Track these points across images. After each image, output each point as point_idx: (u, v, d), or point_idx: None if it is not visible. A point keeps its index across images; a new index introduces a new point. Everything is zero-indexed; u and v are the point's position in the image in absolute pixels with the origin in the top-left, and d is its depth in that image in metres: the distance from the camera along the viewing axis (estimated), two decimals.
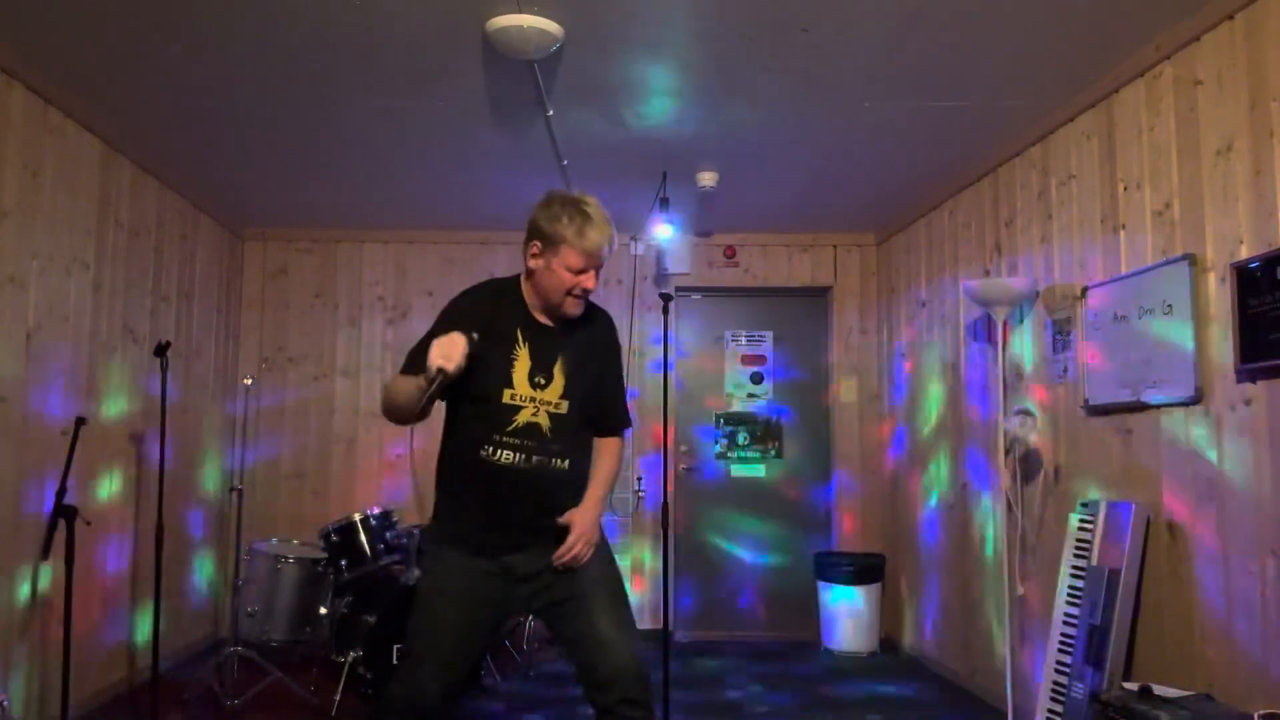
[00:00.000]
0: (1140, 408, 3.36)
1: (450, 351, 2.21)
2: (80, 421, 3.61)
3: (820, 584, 5.73)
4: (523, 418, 2.39)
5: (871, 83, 3.73)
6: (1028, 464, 4.09)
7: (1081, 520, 3.55)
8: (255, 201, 5.52)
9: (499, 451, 2.38)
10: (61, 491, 3.47)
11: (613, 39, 3.39)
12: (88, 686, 4.13)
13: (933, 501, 5.24)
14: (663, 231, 5.33)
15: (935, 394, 5.21)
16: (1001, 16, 3.18)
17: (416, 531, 4.68)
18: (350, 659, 4.17)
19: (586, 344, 2.52)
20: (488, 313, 2.44)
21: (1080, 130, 3.82)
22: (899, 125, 4.20)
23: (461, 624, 2.40)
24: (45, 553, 3.39)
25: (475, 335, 2.29)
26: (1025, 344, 4.22)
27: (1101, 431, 3.61)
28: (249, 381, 4.99)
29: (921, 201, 5.33)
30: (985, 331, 4.57)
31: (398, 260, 6.17)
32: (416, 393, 2.24)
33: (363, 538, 4.52)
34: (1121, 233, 3.54)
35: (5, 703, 3.48)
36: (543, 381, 2.43)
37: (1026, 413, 4.06)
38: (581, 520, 2.42)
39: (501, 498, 2.40)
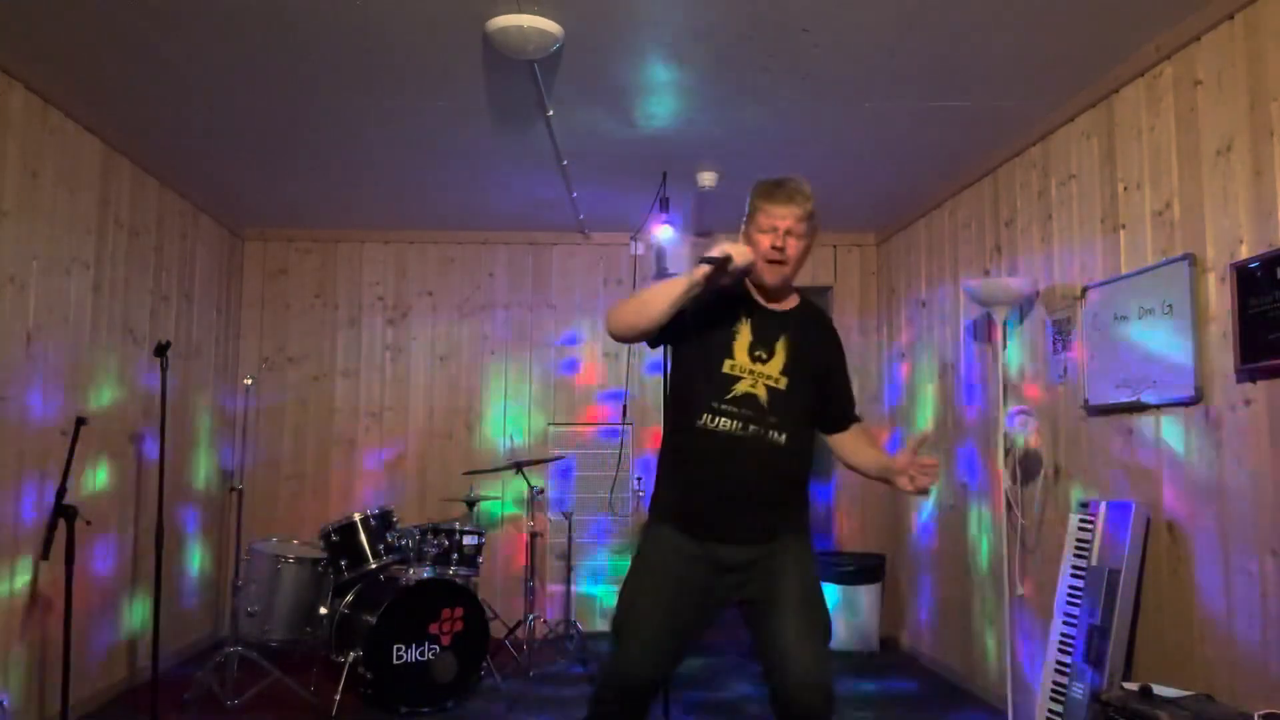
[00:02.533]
0: (1140, 408, 3.36)
1: (743, 252, 2.31)
2: (80, 421, 3.61)
3: (820, 584, 5.71)
4: (741, 387, 2.44)
5: (871, 83, 3.73)
6: (1028, 464, 4.08)
7: (1081, 520, 3.55)
8: (255, 201, 5.52)
9: (717, 419, 2.42)
10: (61, 491, 3.47)
11: (613, 39, 3.39)
12: (87, 686, 4.13)
13: (933, 502, 5.24)
14: (663, 231, 5.33)
15: (934, 394, 5.21)
16: (1001, 16, 3.18)
17: (416, 531, 4.69)
18: (350, 659, 4.17)
19: (811, 333, 2.57)
20: (718, 291, 2.47)
21: (1080, 130, 3.82)
22: (899, 125, 4.20)
23: (669, 604, 2.42)
24: (45, 552, 3.38)
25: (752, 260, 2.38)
26: (1025, 344, 4.22)
27: (1101, 431, 3.61)
28: (249, 381, 4.98)
29: (921, 201, 5.33)
30: (985, 331, 4.57)
31: (398, 260, 6.17)
32: (685, 282, 2.31)
33: (363, 538, 4.52)
34: (1121, 233, 3.54)
35: (5, 702, 3.48)
36: (764, 356, 2.48)
37: (1026, 413, 4.06)
38: (909, 455, 2.52)
39: (720, 467, 2.42)
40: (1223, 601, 2.95)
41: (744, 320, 2.50)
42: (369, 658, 4.13)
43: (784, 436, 2.46)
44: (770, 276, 2.49)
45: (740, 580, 2.45)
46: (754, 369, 2.46)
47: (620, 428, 5.98)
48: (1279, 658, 2.72)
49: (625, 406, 5.99)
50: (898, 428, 5.83)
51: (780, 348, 2.48)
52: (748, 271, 2.38)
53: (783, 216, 2.47)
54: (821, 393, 2.59)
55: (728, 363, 2.46)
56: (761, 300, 2.54)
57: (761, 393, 2.44)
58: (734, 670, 5.17)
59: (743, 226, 2.56)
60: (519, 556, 5.84)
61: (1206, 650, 3.01)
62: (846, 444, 2.75)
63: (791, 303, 2.59)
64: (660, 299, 2.36)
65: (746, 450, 2.42)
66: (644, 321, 2.40)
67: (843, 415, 2.71)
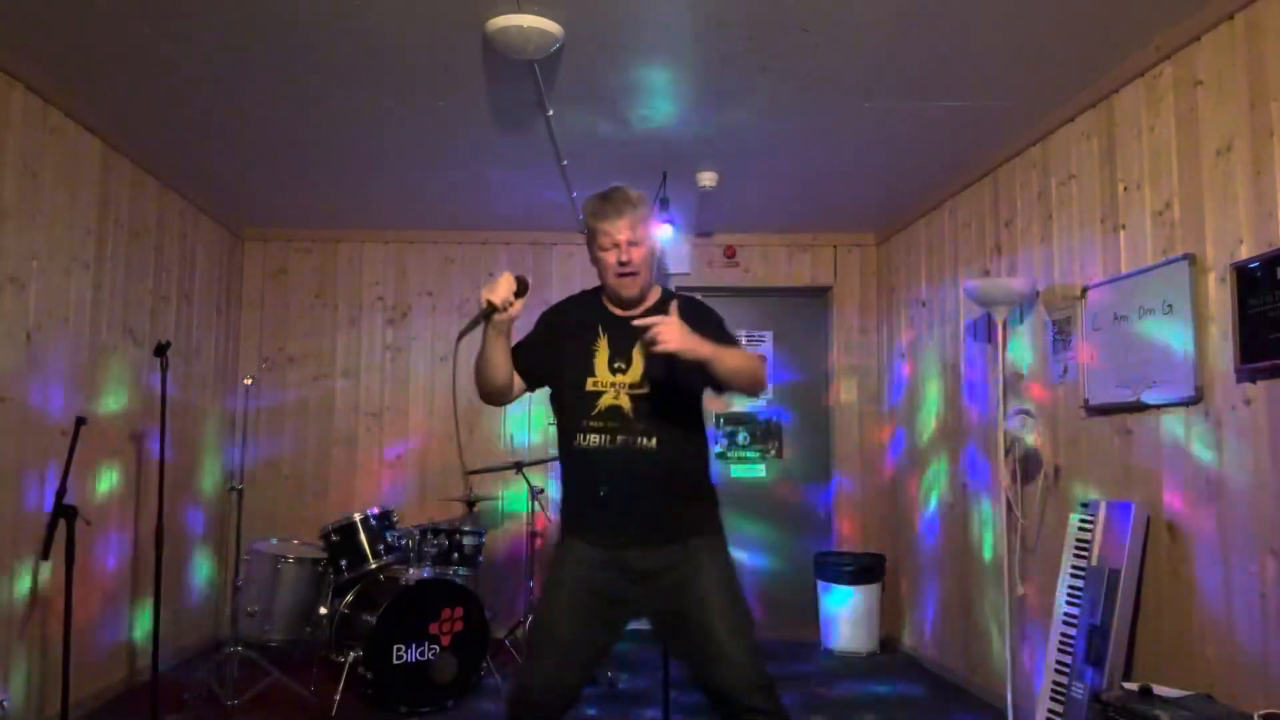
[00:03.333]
0: (1140, 408, 3.36)
1: (496, 286, 2.40)
2: (80, 421, 3.61)
3: (820, 584, 5.73)
4: (604, 402, 2.50)
5: (871, 83, 3.73)
6: (1028, 464, 4.08)
7: (1081, 520, 3.55)
8: (255, 201, 5.52)
9: (587, 436, 2.49)
10: (62, 491, 3.47)
11: (613, 39, 3.39)
12: (88, 686, 4.13)
13: (933, 501, 5.24)
14: (663, 231, 5.33)
15: (935, 394, 5.21)
16: (1002, 16, 3.18)
17: (416, 531, 4.69)
18: (350, 659, 4.17)
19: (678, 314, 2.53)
20: (574, 315, 2.63)
21: (1080, 130, 3.82)
22: (899, 125, 4.20)
23: (577, 615, 2.44)
24: (45, 552, 3.38)
25: (527, 277, 2.47)
26: (1025, 344, 4.22)
27: (1101, 431, 3.61)
28: (249, 381, 4.98)
29: (921, 201, 5.33)
30: (985, 331, 4.57)
31: (398, 260, 6.17)
32: (486, 335, 2.44)
33: (363, 538, 4.52)
34: (1121, 233, 3.54)
35: (5, 702, 3.48)
36: (623, 366, 2.52)
37: (1026, 413, 4.06)
38: (674, 319, 2.32)
39: (598, 481, 2.48)
40: (1223, 601, 2.95)
41: (601, 337, 2.56)
42: (369, 658, 4.13)
43: (654, 440, 2.47)
44: (627, 289, 2.53)
45: (653, 590, 2.45)
46: (615, 380, 2.50)
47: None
48: (1279, 658, 2.72)
49: None
50: (899, 428, 5.82)
51: (637, 354, 2.50)
52: (515, 301, 2.42)
53: (618, 230, 2.49)
54: (704, 374, 2.48)
55: (590, 381, 2.52)
56: (617, 311, 2.58)
57: (625, 403, 2.48)
58: None
59: (588, 244, 2.60)
60: (519, 557, 5.84)
61: (1206, 650, 3.01)
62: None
63: (649, 304, 2.59)
64: (481, 361, 2.52)
65: (618, 460, 2.46)
66: (488, 386, 2.56)
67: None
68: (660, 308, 2.54)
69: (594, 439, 2.48)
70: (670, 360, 2.39)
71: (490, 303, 2.37)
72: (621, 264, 2.50)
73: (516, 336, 2.62)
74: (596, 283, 2.63)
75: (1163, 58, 3.29)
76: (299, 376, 6.05)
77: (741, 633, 2.42)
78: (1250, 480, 2.86)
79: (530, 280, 2.46)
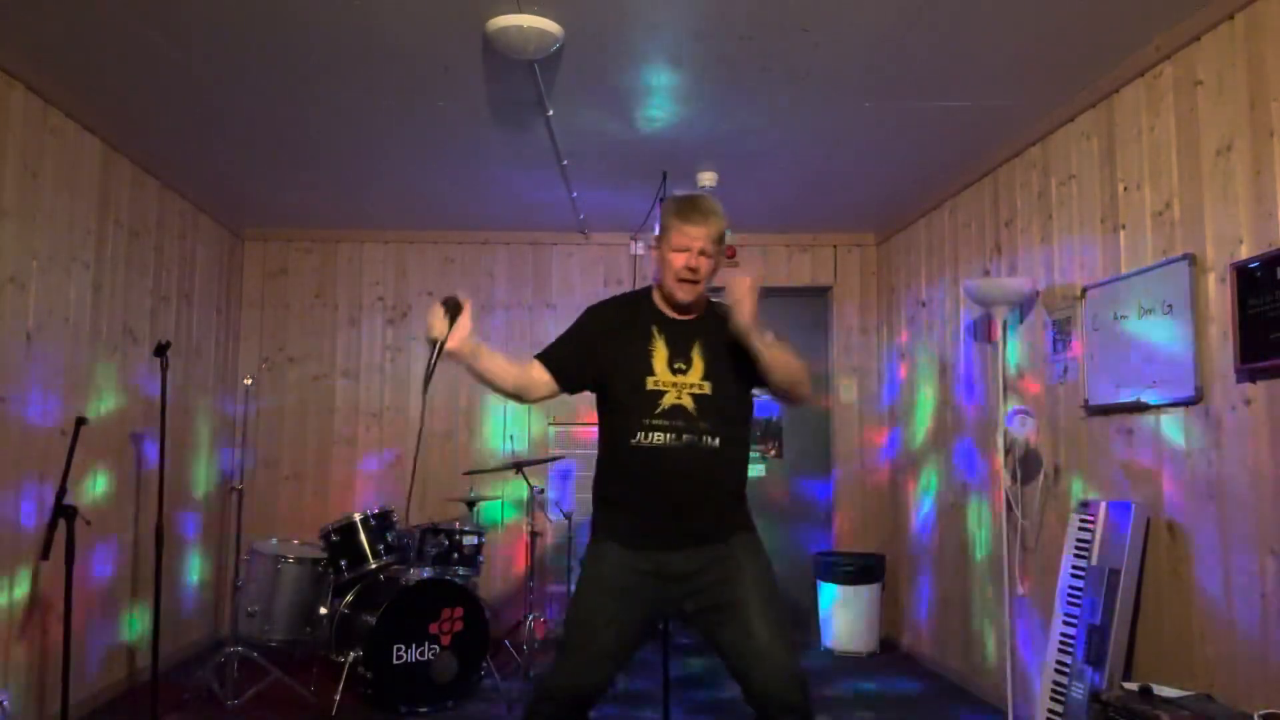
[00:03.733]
0: (1140, 408, 3.36)
1: (430, 323, 2.42)
2: (80, 421, 3.61)
3: (820, 584, 5.72)
4: (668, 400, 2.51)
5: (871, 83, 3.73)
6: (1028, 464, 4.08)
7: (1081, 520, 3.55)
8: (255, 201, 5.52)
9: (651, 434, 2.49)
10: (61, 491, 3.47)
11: (613, 39, 3.39)
12: (88, 686, 4.13)
13: (932, 501, 5.24)
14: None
15: (934, 394, 5.21)
16: (1002, 16, 3.18)
17: (416, 531, 4.69)
18: (350, 659, 4.17)
19: (724, 331, 2.56)
20: (622, 316, 2.63)
21: (1080, 130, 3.82)
22: (899, 125, 4.20)
23: (614, 618, 2.46)
24: (45, 553, 3.38)
25: (459, 297, 2.45)
26: (1025, 344, 4.22)
27: (1101, 431, 3.62)
28: (249, 381, 4.98)
29: (921, 201, 5.33)
30: (985, 331, 4.57)
31: (398, 260, 6.17)
32: (466, 361, 2.47)
33: (363, 538, 4.52)
34: (1121, 233, 3.54)
35: (5, 703, 3.48)
36: (683, 367, 2.55)
37: (1026, 413, 4.06)
38: (749, 280, 2.46)
39: (659, 480, 2.49)
40: (1223, 601, 2.95)
41: (658, 337, 2.58)
42: (369, 658, 4.13)
43: (717, 440, 2.52)
44: (683, 295, 2.56)
45: (691, 589, 2.49)
46: (676, 380, 2.53)
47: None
48: (1279, 658, 2.72)
49: None
50: (898, 427, 5.83)
51: (697, 355, 2.55)
52: (457, 324, 2.42)
53: (696, 237, 2.52)
54: (755, 372, 2.59)
55: (650, 380, 2.52)
56: (672, 314, 2.61)
57: (688, 402, 2.51)
58: None
59: (653, 244, 2.62)
60: (519, 556, 5.85)
61: (1206, 650, 3.01)
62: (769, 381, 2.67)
63: (701, 310, 2.64)
64: (486, 385, 2.57)
65: (684, 459, 2.49)
66: (502, 394, 2.60)
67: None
68: (713, 313, 2.62)
69: (658, 437, 2.48)
70: (731, 365, 2.54)
71: (433, 339, 2.40)
72: (690, 269, 2.52)
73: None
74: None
75: (1163, 58, 3.29)
76: (299, 376, 6.05)
77: (780, 629, 2.44)
78: (1250, 480, 2.86)
79: (460, 296, 2.45)
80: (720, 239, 2.58)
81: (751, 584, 2.47)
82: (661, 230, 2.58)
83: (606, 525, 2.58)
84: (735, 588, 2.46)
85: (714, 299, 2.66)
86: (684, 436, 2.49)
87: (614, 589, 2.48)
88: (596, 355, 2.58)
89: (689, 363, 2.55)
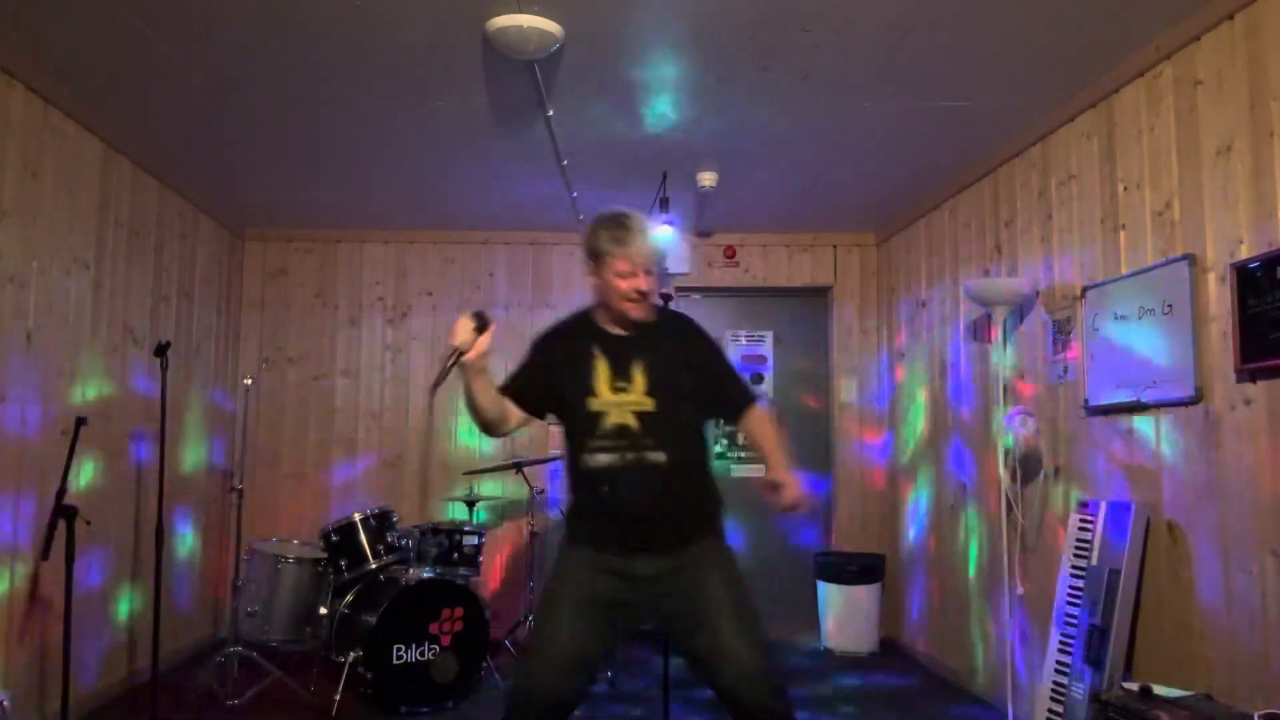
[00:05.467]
0: (1140, 408, 3.36)
1: (455, 330, 2.43)
2: (80, 421, 3.61)
3: (820, 583, 5.72)
4: (610, 421, 2.52)
5: (871, 83, 3.73)
6: (1027, 464, 4.08)
7: (1081, 520, 3.55)
8: (255, 201, 5.52)
9: (596, 455, 2.52)
10: (61, 491, 3.47)
11: (613, 39, 3.39)
12: (87, 686, 4.13)
13: (932, 501, 5.24)
14: (663, 231, 5.33)
15: (934, 394, 5.21)
16: (1001, 16, 3.18)
17: (416, 531, 4.69)
18: (350, 659, 4.17)
19: (667, 345, 2.63)
20: (566, 340, 2.66)
21: (1080, 130, 3.82)
22: (899, 125, 4.20)
23: (579, 622, 2.46)
24: (45, 552, 3.38)
25: (487, 313, 2.49)
26: (1025, 344, 4.22)
27: (1101, 431, 3.61)
28: (249, 381, 4.98)
29: (921, 201, 5.33)
30: (985, 331, 4.57)
31: (398, 260, 6.17)
32: (466, 382, 2.48)
33: (363, 538, 4.52)
34: (1121, 233, 3.54)
35: (5, 703, 3.48)
36: (624, 385, 2.55)
37: (1026, 413, 4.06)
38: (784, 474, 2.53)
39: (612, 498, 2.51)
40: (1223, 601, 2.95)
41: (599, 356, 2.58)
42: (369, 658, 4.13)
43: (663, 455, 2.51)
44: (635, 313, 2.58)
45: (658, 594, 2.50)
46: (618, 400, 2.53)
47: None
48: (1279, 658, 2.72)
49: None
50: (898, 427, 5.82)
51: (638, 373, 2.55)
52: (480, 339, 2.44)
53: (637, 259, 2.55)
54: (703, 392, 2.63)
55: (592, 401, 2.54)
56: (614, 330, 2.62)
57: (631, 421, 2.52)
58: None
59: (589, 269, 2.63)
60: (519, 557, 5.84)
61: (1206, 650, 3.01)
62: (749, 430, 2.76)
63: (646, 322, 2.62)
64: (471, 408, 2.54)
65: (631, 477, 2.50)
66: (479, 422, 2.59)
67: (733, 404, 2.73)
68: (658, 325, 2.64)
69: (603, 458, 2.51)
70: (674, 379, 2.57)
71: (455, 347, 2.41)
72: (641, 293, 2.55)
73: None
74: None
75: (1163, 58, 3.29)
76: (299, 376, 6.05)
77: (751, 633, 2.44)
78: (1250, 480, 2.85)
79: (490, 315, 2.48)
80: (657, 252, 2.63)
81: (720, 588, 2.48)
82: (596, 255, 2.58)
83: (577, 530, 2.62)
84: (704, 592, 2.47)
85: (664, 308, 2.71)
86: (628, 455, 2.50)
87: (580, 594, 2.49)
88: (550, 382, 2.61)
89: (630, 380, 2.54)
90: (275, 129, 4.31)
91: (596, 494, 2.53)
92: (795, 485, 2.51)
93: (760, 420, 2.71)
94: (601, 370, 2.57)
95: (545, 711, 2.43)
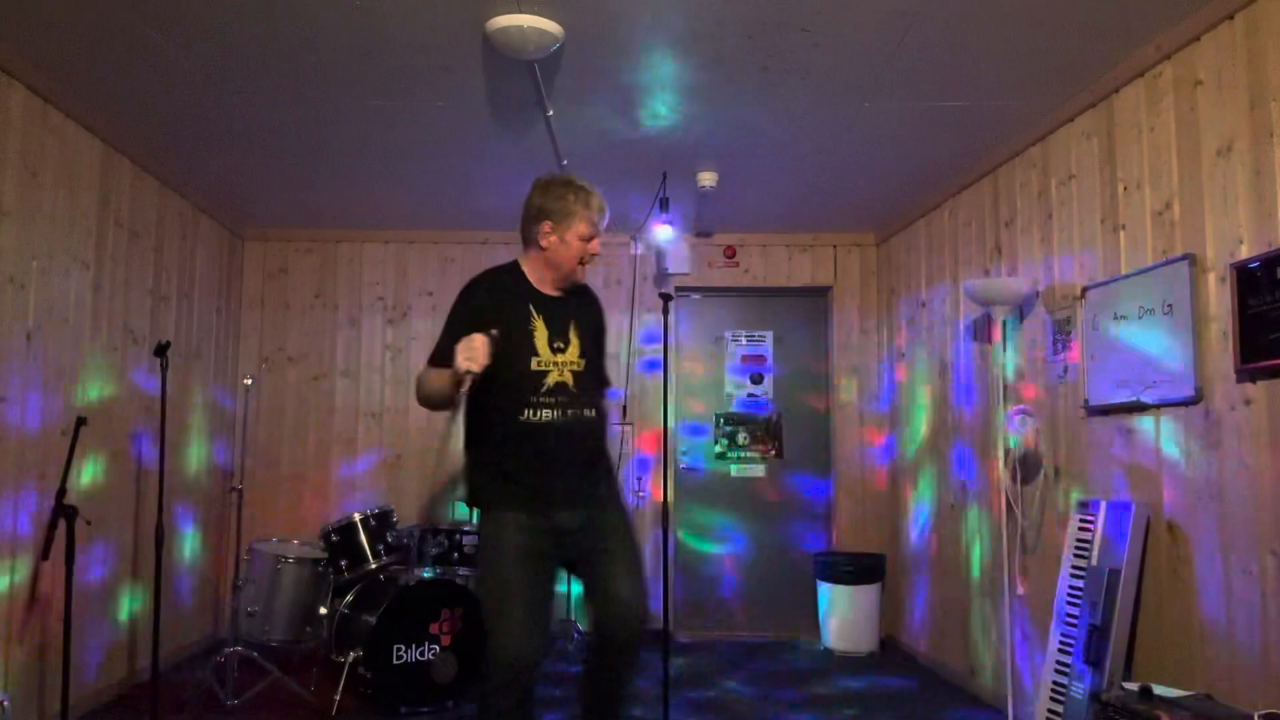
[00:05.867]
0: (1140, 408, 3.36)
1: (474, 354, 2.52)
2: (80, 421, 3.61)
3: (820, 584, 5.73)
4: (551, 379, 2.72)
5: (871, 83, 3.73)
6: (1027, 464, 4.08)
7: (1081, 520, 3.55)
8: (255, 201, 5.52)
9: (539, 411, 2.69)
10: (61, 491, 3.47)
11: (613, 39, 3.39)
12: (87, 686, 4.14)
13: (932, 501, 5.24)
14: (663, 231, 5.33)
15: (934, 394, 5.21)
16: (1001, 16, 3.18)
17: (416, 531, 4.68)
18: (350, 659, 4.17)
19: (588, 311, 2.88)
20: (498, 297, 2.77)
21: (1080, 130, 3.82)
22: (899, 125, 4.20)
23: (529, 578, 2.66)
24: (45, 552, 3.39)
25: (495, 333, 2.60)
26: (1025, 344, 4.22)
27: (1101, 431, 3.61)
28: (249, 381, 4.98)
29: (921, 201, 5.33)
30: (985, 332, 4.57)
31: (398, 260, 6.17)
32: (451, 390, 2.57)
33: (363, 538, 4.52)
34: (1121, 233, 3.54)
35: (5, 703, 3.48)
36: (561, 345, 2.76)
37: (1026, 413, 4.06)
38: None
39: (548, 452, 2.70)
40: (1223, 601, 2.95)
41: (537, 317, 2.76)
42: (369, 658, 4.13)
43: (593, 411, 2.80)
44: (581, 276, 2.85)
45: (575, 540, 2.74)
46: (557, 360, 2.74)
47: (619, 427, 5.98)
48: (1279, 658, 2.72)
49: (624, 406, 5.99)
50: (898, 427, 5.82)
51: (572, 334, 2.78)
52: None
53: (599, 224, 2.81)
54: (599, 362, 2.93)
55: (534, 360, 2.72)
56: (548, 291, 2.81)
57: (569, 379, 2.74)
58: (733, 670, 5.18)
59: (544, 229, 2.78)
60: None
61: (1206, 650, 3.01)
62: None
63: (572, 286, 2.87)
64: (434, 399, 2.68)
65: (568, 431, 2.72)
66: (439, 409, 2.70)
67: (604, 383, 2.98)
68: (576, 290, 2.89)
69: (545, 414, 2.69)
70: (594, 343, 2.84)
71: (472, 372, 2.51)
72: (593, 256, 2.82)
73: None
74: (594, 283, 2.80)
75: (1163, 58, 3.29)
76: (299, 376, 6.05)
77: (638, 573, 2.78)
78: (1250, 480, 2.86)
79: (496, 334, 2.61)
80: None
81: (622, 536, 2.81)
82: (561, 215, 2.75)
83: (500, 494, 2.73)
84: (609, 538, 2.77)
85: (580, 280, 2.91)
86: (568, 412, 2.72)
87: (522, 553, 2.65)
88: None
89: (566, 342, 2.75)
90: (275, 129, 4.31)
91: (539, 448, 2.68)
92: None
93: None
94: (540, 330, 2.74)
95: (530, 671, 2.61)
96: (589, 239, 2.77)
